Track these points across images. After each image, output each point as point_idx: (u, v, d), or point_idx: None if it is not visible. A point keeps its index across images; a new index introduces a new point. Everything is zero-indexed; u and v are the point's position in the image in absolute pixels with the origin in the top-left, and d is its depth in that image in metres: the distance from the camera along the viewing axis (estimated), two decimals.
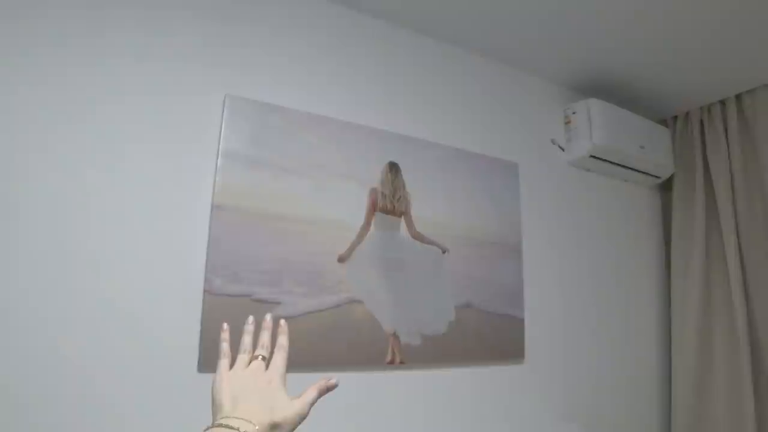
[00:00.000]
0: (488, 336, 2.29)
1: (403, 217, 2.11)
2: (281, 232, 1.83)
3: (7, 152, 1.47)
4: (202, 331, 1.66)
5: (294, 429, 0.65)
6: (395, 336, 2.00)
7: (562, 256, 2.72)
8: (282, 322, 0.85)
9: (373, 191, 2.05)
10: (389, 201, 2.07)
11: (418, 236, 2.13)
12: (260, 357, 0.76)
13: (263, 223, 1.80)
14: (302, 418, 0.66)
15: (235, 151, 1.80)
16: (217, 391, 0.68)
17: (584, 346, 2.71)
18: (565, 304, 2.67)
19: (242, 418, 0.60)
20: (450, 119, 2.42)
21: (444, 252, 2.21)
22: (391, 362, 1.97)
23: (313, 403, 0.70)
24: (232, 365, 0.75)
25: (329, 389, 0.74)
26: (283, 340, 0.80)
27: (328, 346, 1.85)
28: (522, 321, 2.43)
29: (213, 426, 0.59)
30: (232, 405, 0.64)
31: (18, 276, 1.37)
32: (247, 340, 0.80)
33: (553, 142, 2.88)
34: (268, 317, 0.86)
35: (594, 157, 2.87)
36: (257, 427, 0.59)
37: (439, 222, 2.22)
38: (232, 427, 0.58)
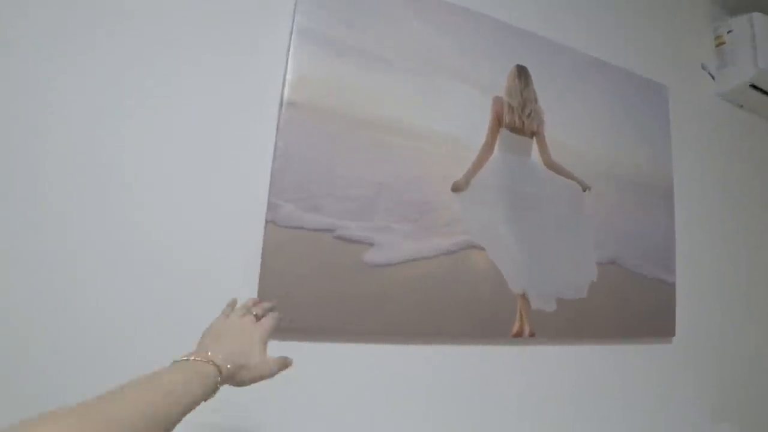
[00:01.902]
0: (634, 304, 1.60)
1: (534, 138, 1.43)
2: (376, 144, 1.19)
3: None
4: (261, 278, 1.05)
5: (252, 383, 0.67)
6: (524, 298, 1.33)
7: (719, 209, 1.97)
8: (274, 312, 0.84)
9: (498, 101, 1.37)
10: (518, 116, 1.39)
11: (553, 166, 1.44)
12: (255, 314, 0.79)
13: (351, 131, 1.17)
14: (264, 378, 0.69)
15: (315, 31, 1.17)
16: (206, 330, 0.72)
17: (744, 324, 1.97)
18: (723, 269, 1.93)
19: (217, 353, 0.63)
20: (586, 22, 1.71)
21: (585, 190, 1.50)
22: (518, 334, 1.31)
23: (276, 374, 0.72)
24: None
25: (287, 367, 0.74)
26: (276, 313, 0.83)
27: (436, 307, 1.25)
28: (673, 287, 1.72)
29: (190, 354, 0.62)
30: (212, 342, 0.67)
31: (46, 198, 0.94)
32: (249, 301, 0.84)
33: (703, 67, 2.09)
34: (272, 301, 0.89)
35: (755, 87, 2.07)
36: (228, 366, 0.63)
37: (577, 150, 1.53)
38: (206, 356, 0.61)
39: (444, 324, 1.25)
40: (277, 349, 0.76)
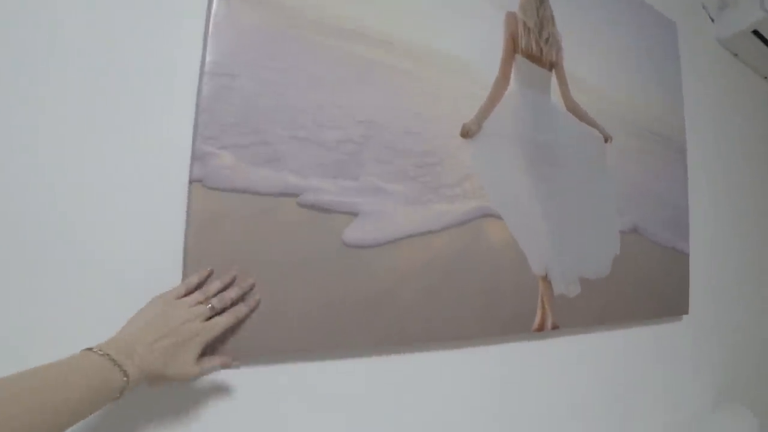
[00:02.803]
0: (653, 279, 1.27)
1: (554, 71, 1.03)
2: (360, 64, 0.77)
3: None
4: (186, 272, 0.65)
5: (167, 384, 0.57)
6: (546, 281, 0.97)
7: (729, 169, 1.70)
8: (257, 296, 0.69)
9: (511, 18, 0.97)
10: (534, 39, 1.00)
11: (575, 108, 1.07)
12: (210, 306, 0.62)
13: (322, 40, 0.74)
14: (183, 380, 0.58)
15: None
16: (138, 313, 0.59)
17: (756, 301, 1.75)
18: (734, 237, 1.67)
19: (131, 354, 0.52)
20: None
21: (607, 141, 1.15)
22: (540, 327, 0.95)
23: (203, 375, 0.61)
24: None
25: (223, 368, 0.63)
26: (243, 308, 0.66)
27: (445, 303, 0.88)
28: (687, 258, 1.41)
29: (101, 346, 0.51)
30: (135, 334, 0.55)
31: None
32: (214, 285, 0.65)
33: (703, 6, 1.78)
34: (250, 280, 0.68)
35: (758, 35, 1.80)
36: (140, 373, 0.52)
37: (597, 89, 1.16)
38: (110, 357, 0.50)
39: (456, 323, 0.86)
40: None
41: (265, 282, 0.70)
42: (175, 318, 0.58)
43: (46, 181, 0.61)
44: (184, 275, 0.66)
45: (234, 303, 0.66)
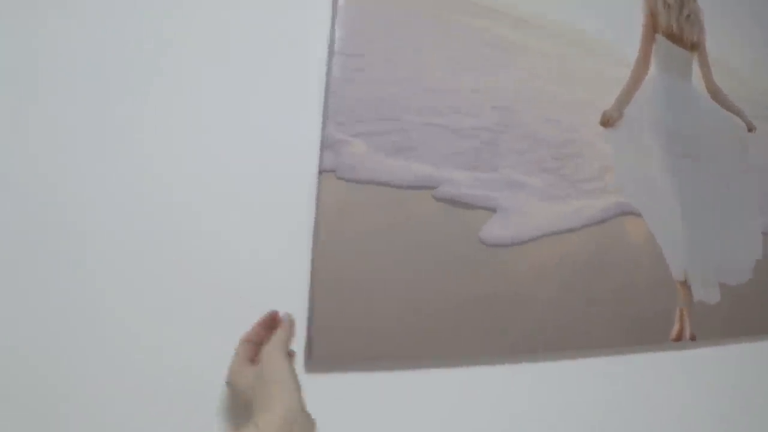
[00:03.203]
0: None
1: (696, 54, 0.89)
2: (497, 44, 0.65)
3: None
4: (314, 273, 0.62)
5: None
6: (685, 286, 0.84)
7: None
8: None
9: None
10: (675, 17, 0.87)
11: (718, 94, 0.94)
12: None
13: (459, 18, 0.64)
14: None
15: None
16: (244, 389, 0.51)
17: None
18: None
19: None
20: None
21: (750, 130, 0.99)
22: (679, 337, 0.82)
23: None
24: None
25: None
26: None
27: (577, 307, 0.78)
28: None
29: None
30: (260, 411, 0.46)
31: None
32: (282, 330, 0.55)
33: None
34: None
35: None
36: None
37: (740, 75, 1.00)
38: None
39: (585, 331, 0.76)
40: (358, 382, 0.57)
41: (396, 281, 0.63)
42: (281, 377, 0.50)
43: (161, 172, 0.56)
44: (313, 272, 0.60)
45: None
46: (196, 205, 0.57)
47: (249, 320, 0.56)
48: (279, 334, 0.53)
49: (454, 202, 0.66)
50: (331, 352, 0.59)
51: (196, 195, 0.58)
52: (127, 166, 0.55)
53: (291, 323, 0.56)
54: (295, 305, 0.60)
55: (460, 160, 0.67)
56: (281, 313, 0.57)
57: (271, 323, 0.57)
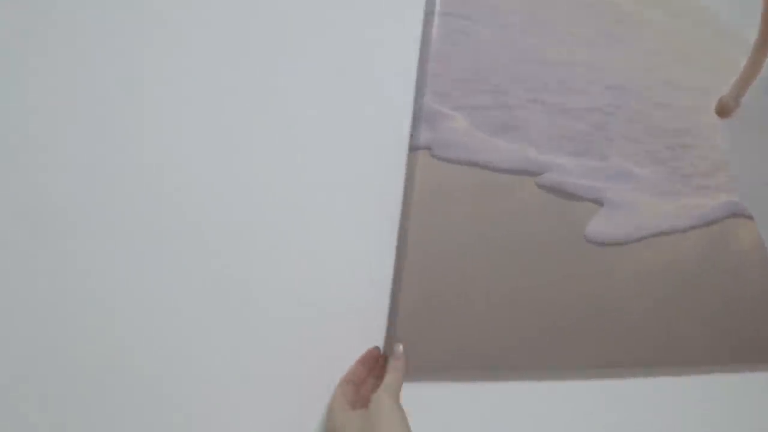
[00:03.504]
0: None
1: None
2: (610, 14, 0.56)
3: None
4: (398, 269, 0.54)
5: None
6: None
7: None
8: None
9: None
10: None
11: None
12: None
13: None
14: None
15: None
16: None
17: None
18: None
19: None
20: None
21: None
22: None
23: None
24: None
25: None
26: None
27: (679, 317, 0.70)
28: None
29: None
30: None
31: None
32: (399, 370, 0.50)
33: None
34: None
35: None
36: None
37: None
38: None
39: (685, 345, 0.67)
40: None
41: (489, 278, 0.55)
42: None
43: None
44: (398, 262, 0.52)
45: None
46: (272, 181, 0.49)
47: (317, 308, 0.48)
48: (391, 378, 0.48)
49: (558, 191, 0.58)
50: (412, 356, 0.51)
51: (272, 170, 0.49)
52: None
53: (401, 363, 0.50)
54: (374, 301, 0.52)
55: (568, 144, 0.58)
56: (395, 348, 0.51)
57: (372, 362, 0.52)
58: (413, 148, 0.54)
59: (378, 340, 0.54)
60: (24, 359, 0.42)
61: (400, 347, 0.51)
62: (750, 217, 0.73)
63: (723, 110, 0.70)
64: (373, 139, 0.54)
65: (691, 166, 0.66)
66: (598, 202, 0.60)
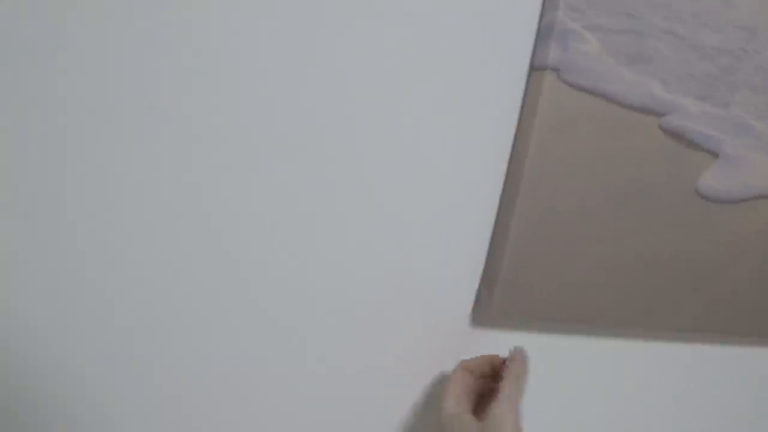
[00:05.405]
0: None
1: None
2: None
3: None
4: (514, 180, 0.47)
5: None
6: None
7: None
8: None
9: None
10: None
11: None
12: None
13: None
14: None
15: None
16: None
17: None
18: None
19: None
20: None
21: None
22: None
23: None
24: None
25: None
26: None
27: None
28: None
29: None
30: None
31: None
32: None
33: None
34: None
35: None
36: None
37: None
38: None
39: None
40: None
41: (600, 225, 0.49)
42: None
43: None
44: (504, 195, 0.46)
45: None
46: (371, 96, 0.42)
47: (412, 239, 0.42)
48: (513, 386, 0.42)
49: (680, 137, 0.51)
50: (506, 303, 0.46)
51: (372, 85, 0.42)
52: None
53: (524, 368, 0.45)
54: (473, 235, 0.46)
55: (694, 85, 0.51)
56: (516, 351, 0.46)
57: (496, 362, 0.47)
58: (538, 67, 0.46)
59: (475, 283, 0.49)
60: (25, 359, 0.35)
61: (524, 350, 0.46)
62: None
63: None
64: (488, 54, 0.46)
65: None
66: (714, 154, 0.54)
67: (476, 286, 0.49)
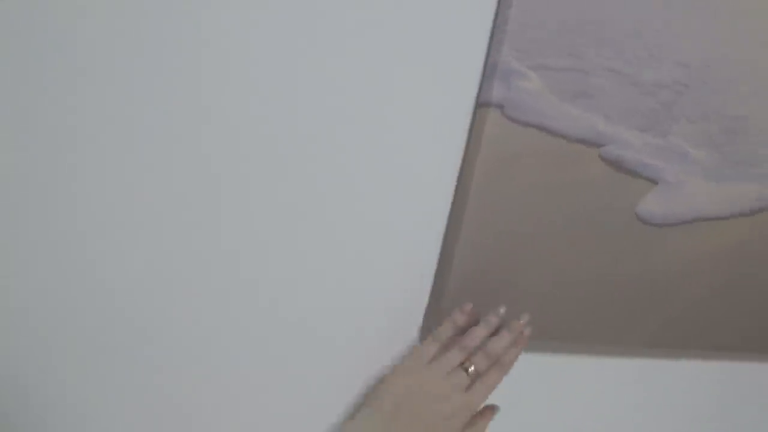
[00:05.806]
0: None
1: None
2: None
3: None
4: (449, 232, 0.52)
5: None
6: None
7: None
8: (526, 331, 0.49)
9: None
10: None
11: None
12: (470, 370, 0.45)
13: None
14: None
15: None
16: (374, 395, 0.45)
17: None
18: None
19: None
20: None
21: None
22: None
23: None
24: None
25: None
26: (512, 355, 0.47)
27: (727, 307, 0.70)
28: None
29: None
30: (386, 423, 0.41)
31: None
32: (477, 334, 0.48)
33: None
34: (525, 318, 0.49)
35: None
36: None
37: None
38: None
39: (739, 332, 0.68)
40: None
41: (544, 249, 0.54)
42: (434, 411, 0.44)
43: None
44: (449, 225, 0.50)
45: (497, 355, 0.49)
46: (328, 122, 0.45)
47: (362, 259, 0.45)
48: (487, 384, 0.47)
49: (620, 165, 0.55)
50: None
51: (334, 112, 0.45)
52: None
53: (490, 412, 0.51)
54: (422, 259, 0.50)
55: (635, 118, 0.55)
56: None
57: (463, 322, 0.49)
58: (482, 104, 0.50)
59: (421, 313, 0.53)
60: (25, 356, 0.39)
61: (496, 407, 0.51)
62: None
63: None
64: (436, 91, 0.50)
65: (744, 154, 0.65)
66: (653, 180, 0.58)
67: (425, 305, 0.53)
